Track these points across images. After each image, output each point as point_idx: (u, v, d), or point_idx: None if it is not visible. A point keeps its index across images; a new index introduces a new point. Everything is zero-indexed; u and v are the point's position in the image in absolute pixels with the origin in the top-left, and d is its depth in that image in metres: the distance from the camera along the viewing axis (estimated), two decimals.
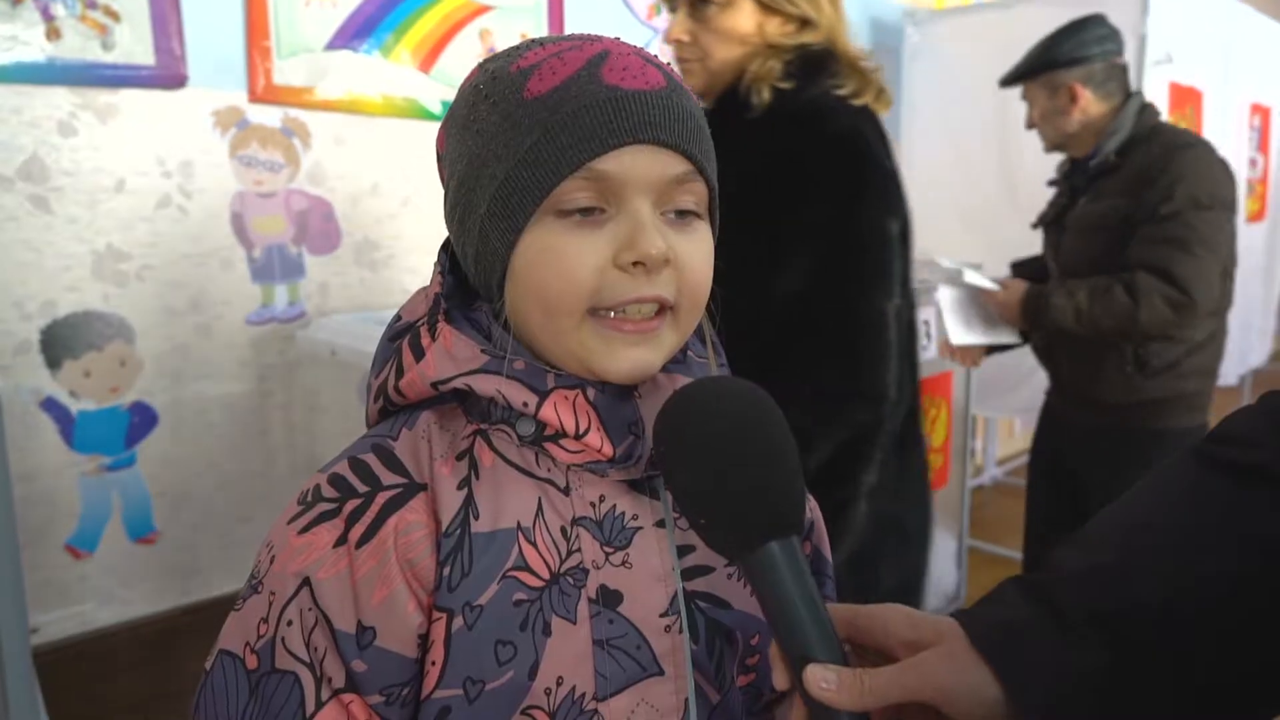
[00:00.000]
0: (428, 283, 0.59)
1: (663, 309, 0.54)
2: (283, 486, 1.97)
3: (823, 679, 0.46)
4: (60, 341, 1.66)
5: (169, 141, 1.73)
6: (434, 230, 2.14)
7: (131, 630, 1.75)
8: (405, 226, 2.07)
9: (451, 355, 0.54)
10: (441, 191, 0.60)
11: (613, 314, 0.53)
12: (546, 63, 0.52)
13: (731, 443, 0.48)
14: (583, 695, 0.53)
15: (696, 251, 0.55)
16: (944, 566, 2.77)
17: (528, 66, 0.53)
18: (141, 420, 1.76)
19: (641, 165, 0.52)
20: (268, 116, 1.84)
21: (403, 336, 0.57)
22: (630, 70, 0.52)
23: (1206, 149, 1.83)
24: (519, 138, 0.52)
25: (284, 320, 1.91)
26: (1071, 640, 0.48)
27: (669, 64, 0.58)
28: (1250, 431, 0.54)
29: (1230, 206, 1.80)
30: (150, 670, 1.77)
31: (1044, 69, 1.91)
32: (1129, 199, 1.81)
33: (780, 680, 0.49)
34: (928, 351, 2.45)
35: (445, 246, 0.61)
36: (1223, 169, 1.82)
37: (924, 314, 2.44)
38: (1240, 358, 3.87)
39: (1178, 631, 0.48)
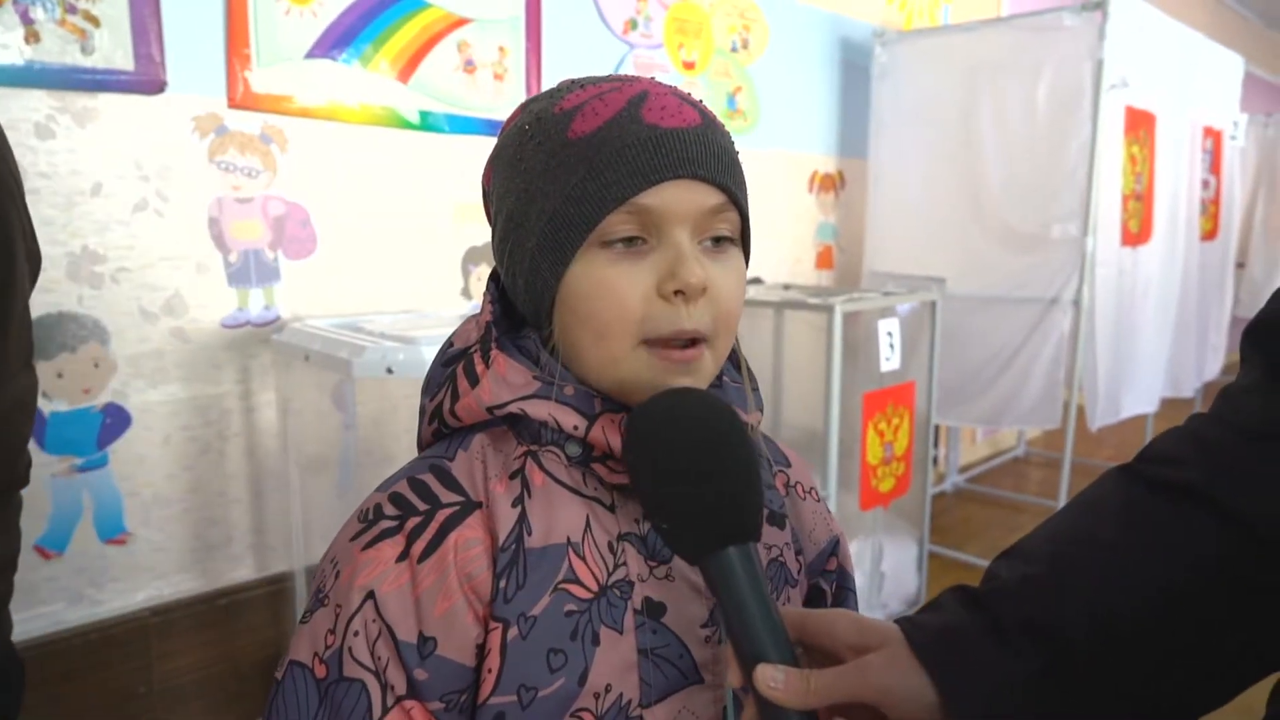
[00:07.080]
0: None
1: (699, 339, 0.57)
2: (255, 490, 1.97)
3: (771, 678, 0.49)
4: (34, 343, 1.66)
5: (147, 146, 1.73)
6: (410, 238, 2.16)
7: (101, 631, 1.74)
8: (381, 234, 2.08)
9: (506, 381, 0.57)
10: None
11: (660, 345, 0.56)
12: (589, 104, 0.56)
13: (701, 453, 0.51)
14: (629, 702, 0.56)
15: (730, 278, 0.59)
16: (905, 571, 2.83)
17: (571, 108, 0.56)
18: (114, 421, 1.76)
19: (680, 198, 0.55)
20: (246, 123, 1.85)
21: (456, 362, 0.60)
22: (669, 110, 0.56)
23: None
24: (565, 175, 0.55)
25: (259, 324, 1.92)
26: (1006, 648, 0.51)
27: (702, 100, 0.61)
28: (1178, 451, 0.57)
29: None
30: (120, 671, 1.77)
31: None
32: None
33: (734, 678, 0.51)
34: (891, 362, 2.50)
35: (494, 276, 0.64)
36: None
37: (887, 325, 2.49)
38: (1196, 371, 4.01)
39: (1107, 641, 0.50)
